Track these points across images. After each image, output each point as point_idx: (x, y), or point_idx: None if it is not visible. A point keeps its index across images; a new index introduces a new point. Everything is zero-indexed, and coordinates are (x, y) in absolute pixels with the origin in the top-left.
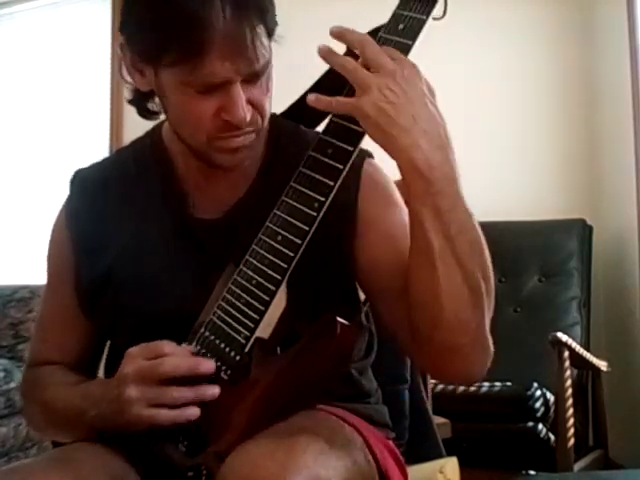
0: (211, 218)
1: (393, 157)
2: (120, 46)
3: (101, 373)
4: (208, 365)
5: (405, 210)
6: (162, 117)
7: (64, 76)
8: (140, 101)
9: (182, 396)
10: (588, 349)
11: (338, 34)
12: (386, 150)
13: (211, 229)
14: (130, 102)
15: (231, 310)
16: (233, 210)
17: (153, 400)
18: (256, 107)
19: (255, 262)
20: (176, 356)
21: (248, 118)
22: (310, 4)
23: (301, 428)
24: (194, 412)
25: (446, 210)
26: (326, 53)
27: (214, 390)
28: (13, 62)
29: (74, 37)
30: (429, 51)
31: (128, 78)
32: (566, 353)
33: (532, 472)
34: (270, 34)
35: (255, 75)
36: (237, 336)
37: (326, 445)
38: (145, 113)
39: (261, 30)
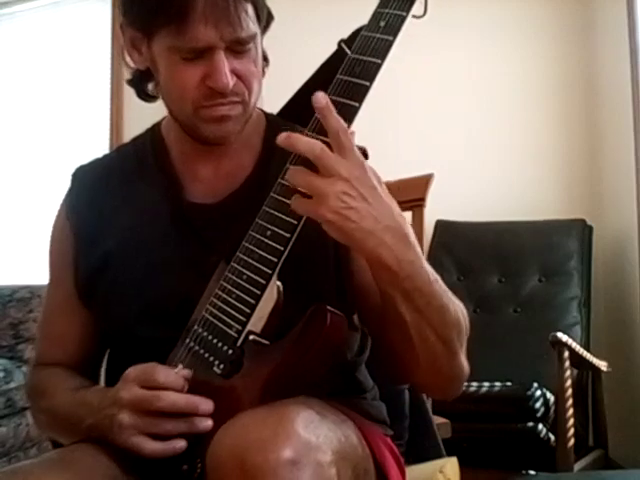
0: (206, 203)
1: (360, 254)
2: (120, 26)
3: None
4: (206, 406)
5: None
6: (157, 111)
7: (64, 76)
8: (139, 82)
9: (175, 430)
10: (588, 349)
11: (287, 144)
12: (352, 248)
13: (206, 214)
14: (129, 83)
15: (223, 306)
16: (229, 198)
17: (145, 429)
18: (241, 78)
19: (245, 257)
20: (171, 389)
21: (231, 85)
22: (309, 4)
23: (293, 401)
24: (182, 445)
25: (414, 289)
26: (284, 141)
27: (207, 423)
28: (13, 62)
29: (74, 37)
30: (429, 50)
31: (128, 59)
32: (566, 353)
33: (532, 472)
34: (258, 12)
35: (239, 43)
36: (229, 330)
37: (318, 416)
38: (143, 95)
39: (247, 3)
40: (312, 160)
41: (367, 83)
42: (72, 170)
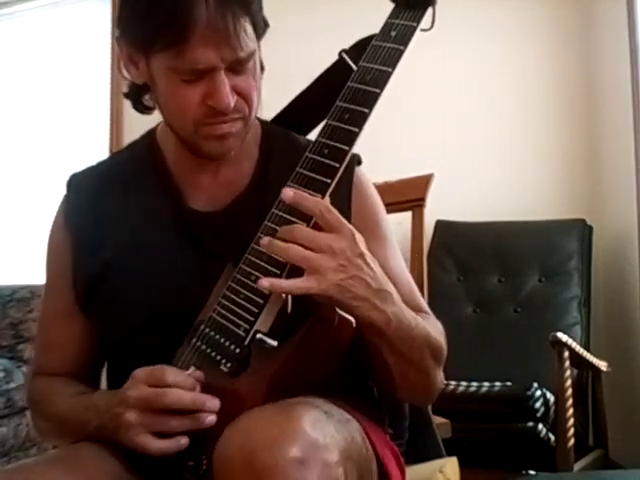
0: (208, 211)
1: (351, 315)
2: (117, 39)
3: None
4: (212, 403)
5: (389, 226)
6: (156, 112)
7: (64, 76)
8: (135, 95)
9: (181, 426)
10: (588, 349)
11: (293, 200)
12: (345, 311)
13: (209, 222)
14: (126, 96)
15: (231, 306)
16: (231, 206)
17: (151, 427)
18: (242, 95)
19: (254, 259)
20: (180, 388)
21: (232, 104)
22: (307, 5)
23: (299, 401)
24: (185, 442)
25: (398, 338)
26: (292, 200)
27: (211, 418)
28: (13, 62)
29: (74, 37)
30: (428, 50)
31: (124, 72)
32: (566, 353)
33: (532, 472)
34: (256, 28)
35: (239, 63)
36: (237, 330)
37: (324, 415)
38: (140, 107)
39: (245, 21)
40: (305, 242)
41: (377, 90)
42: (71, 172)
